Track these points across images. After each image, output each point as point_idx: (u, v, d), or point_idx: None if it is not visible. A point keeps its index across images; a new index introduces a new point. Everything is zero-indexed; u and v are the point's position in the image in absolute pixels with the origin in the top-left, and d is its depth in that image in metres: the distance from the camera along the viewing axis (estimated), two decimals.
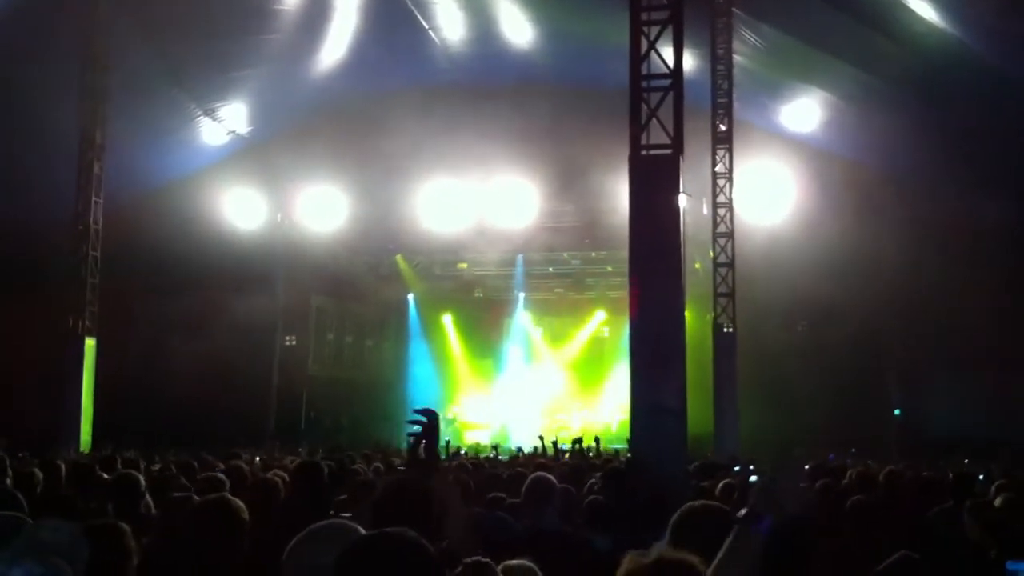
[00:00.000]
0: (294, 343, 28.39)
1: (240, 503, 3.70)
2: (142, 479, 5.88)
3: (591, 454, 14.83)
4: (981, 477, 9.18)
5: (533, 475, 6.01)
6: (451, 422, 29.41)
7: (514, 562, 3.48)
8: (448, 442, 19.46)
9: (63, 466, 8.20)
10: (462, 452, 17.76)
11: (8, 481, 7.04)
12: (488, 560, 3.29)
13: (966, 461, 15.14)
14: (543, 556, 3.76)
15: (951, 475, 8.22)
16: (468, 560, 3.23)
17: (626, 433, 9.99)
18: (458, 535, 4.43)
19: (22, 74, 18.43)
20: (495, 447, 20.80)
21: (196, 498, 5.81)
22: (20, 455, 10.99)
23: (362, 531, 2.87)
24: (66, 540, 2.69)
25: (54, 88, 19.47)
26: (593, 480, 7.91)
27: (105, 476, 7.41)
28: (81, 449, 18.41)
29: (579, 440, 15.42)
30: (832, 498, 6.62)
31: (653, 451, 9.04)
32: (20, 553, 2.54)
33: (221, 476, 6.48)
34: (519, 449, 18.81)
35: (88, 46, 19.97)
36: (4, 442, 13.29)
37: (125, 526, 3.83)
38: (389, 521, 2.45)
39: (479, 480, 7.89)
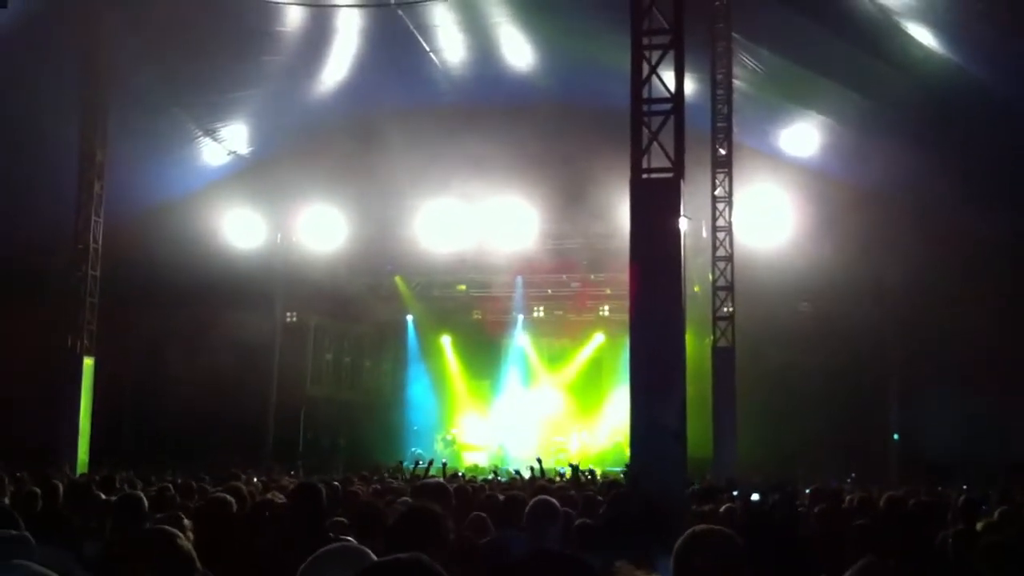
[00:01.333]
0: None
1: (176, 533, 3.64)
2: (144, 499, 5.86)
3: (587, 478, 14.85)
4: (984, 508, 9.15)
5: (536, 498, 6.00)
6: (450, 443, 29.33)
7: None
8: (445, 464, 19.41)
9: (60, 485, 8.18)
10: (460, 474, 17.70)
11: (7, 500, 7.03)
12: None
13: (964, 487, 15.10)
14: None
15: (961, 499, 8.23)
16: None
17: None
18: (458, 560, 4.42)
19: (25, 92, 18.50)
20: (495, 471, 20.75)
21: (182, 517, 5.80)
22: (18, 474, 10.96)
23: (371, 554, 2.87)
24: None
25: (57, 106, 19.53)
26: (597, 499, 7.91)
27: (103, 496, 7.39)
28: (78, 469, 18.34)
29: (575, 466, 15.51)
30: (832, 522, 6.61)
31: (653, 472, 9.04)
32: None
33: (226, 497, 6.44)
34: (517, 472, 18.74)
35: (90, 64, 20.04)
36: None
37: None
38: (403, 547, 2.44)
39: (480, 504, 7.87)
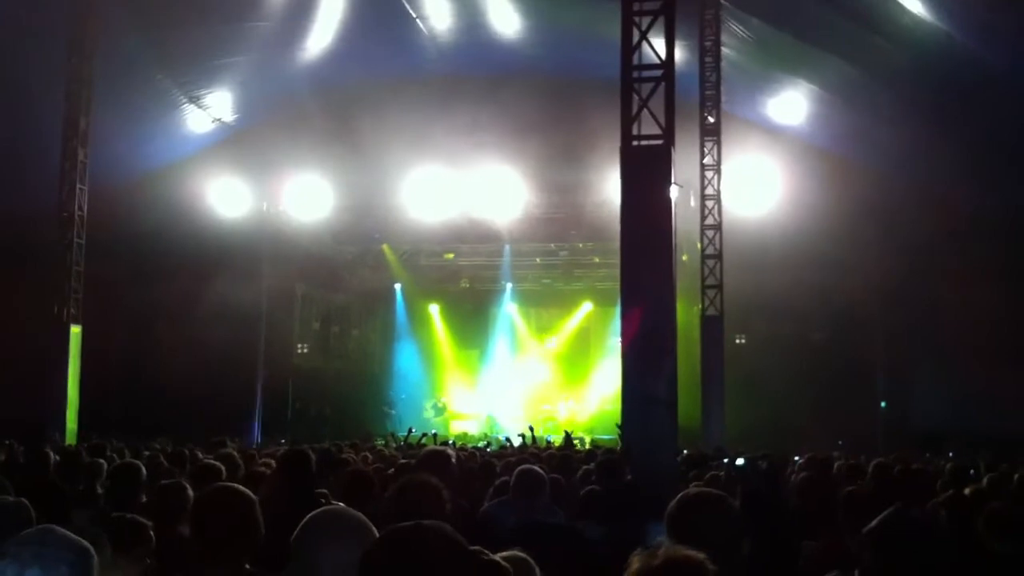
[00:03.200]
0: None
1: (245, 490, 3.66)
2: (143, 468, 5.85)
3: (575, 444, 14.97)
4: (972, 472, 9.22)
5: (521, 467, 5.99)
6: (440, 410, 29.33)
7: (506, 553, 3.46)
8: (436, 434, 19.45)
9: (51, 453, 8.16)
10: (450, 442, 17.74)
11: None
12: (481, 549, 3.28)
13: (951, 454, 15.24)
14: (536, 547, 3.75)
15: (949, 467, 8.29)
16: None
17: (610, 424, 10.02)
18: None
19: (10, 59, 18.30)
20: (488, 442, 20.82)
21: (187, 486, 5.79)
22: (6, 442, 10.93)
23: (364, 519, 2.85)
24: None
25: (42, 74, 19.34)
26: (588, 468, 7.92)
27: (100, 461, 7.37)
28: (67, 437, 18.33)
29: (569, 433, 15.63)
30: (821, 489, 6.63)
31: (644, 442, 9.06)
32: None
33: (216, 464, 6.44)
34: (507, 440, 18.83)
35: (75, 32, 19.82)
36: None
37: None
38: (402, 519, 2.44)
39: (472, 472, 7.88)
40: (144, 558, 4.10)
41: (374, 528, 2.79)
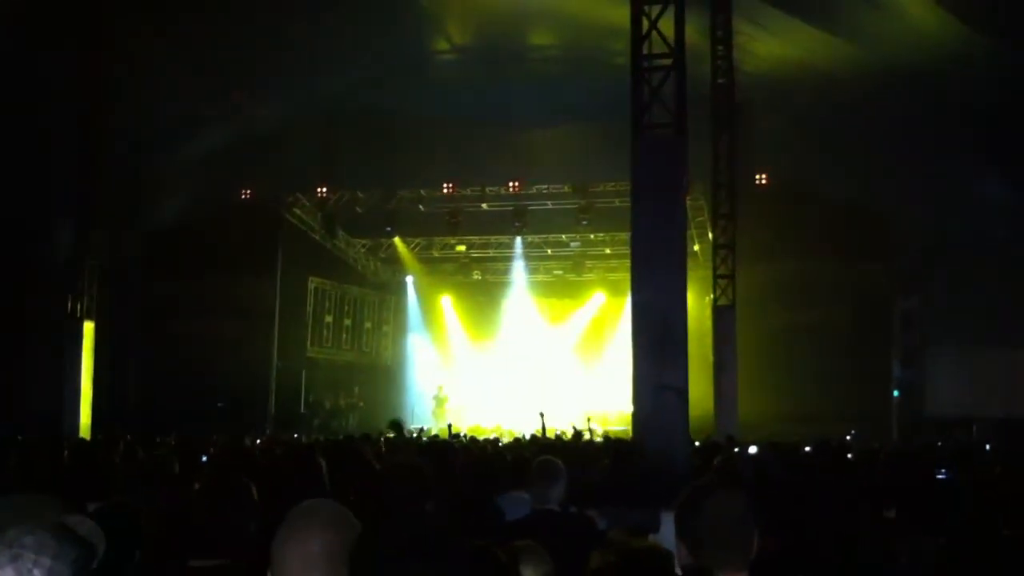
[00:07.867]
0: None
1: (246, 481, 3.66)
2: (155, 461, 5.87)
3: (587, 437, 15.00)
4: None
5: (540, 458, 5.98)
6: (442, 401, 29.30)
7: (520, 543, 3.46)
8: (450, 425, 19.49)
9: (64, 448, 8.20)
10: (463, 435, 17.78)
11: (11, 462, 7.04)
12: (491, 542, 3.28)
13: (961, 439, 15.19)
14: (546, 536, 3.75)
15: (953, 449, 8.29)
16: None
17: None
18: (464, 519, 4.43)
19: (28, 58, 18.45)
20: (496, 437, 20.86)
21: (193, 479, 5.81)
22: (20, 437, 10.98)
23: (345, 510, 2.80)
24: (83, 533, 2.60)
25: (57, 72, 19.45)
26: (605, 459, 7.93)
27: (113, 457, 7.40)
28: (81, 432, 18.43)
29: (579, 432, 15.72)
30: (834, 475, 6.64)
31: (656, 432, 9.04)
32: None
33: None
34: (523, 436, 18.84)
35: (93, 36, 19.91)
36: None
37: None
38: (395, 501, 2.44)
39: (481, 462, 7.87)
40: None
41: (353, 519, 2.75)
